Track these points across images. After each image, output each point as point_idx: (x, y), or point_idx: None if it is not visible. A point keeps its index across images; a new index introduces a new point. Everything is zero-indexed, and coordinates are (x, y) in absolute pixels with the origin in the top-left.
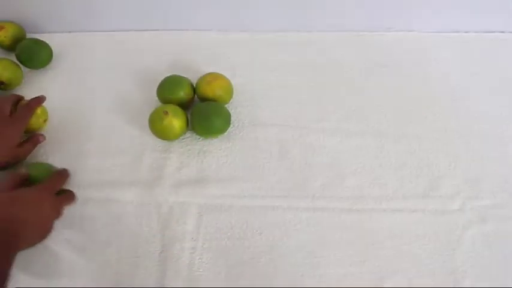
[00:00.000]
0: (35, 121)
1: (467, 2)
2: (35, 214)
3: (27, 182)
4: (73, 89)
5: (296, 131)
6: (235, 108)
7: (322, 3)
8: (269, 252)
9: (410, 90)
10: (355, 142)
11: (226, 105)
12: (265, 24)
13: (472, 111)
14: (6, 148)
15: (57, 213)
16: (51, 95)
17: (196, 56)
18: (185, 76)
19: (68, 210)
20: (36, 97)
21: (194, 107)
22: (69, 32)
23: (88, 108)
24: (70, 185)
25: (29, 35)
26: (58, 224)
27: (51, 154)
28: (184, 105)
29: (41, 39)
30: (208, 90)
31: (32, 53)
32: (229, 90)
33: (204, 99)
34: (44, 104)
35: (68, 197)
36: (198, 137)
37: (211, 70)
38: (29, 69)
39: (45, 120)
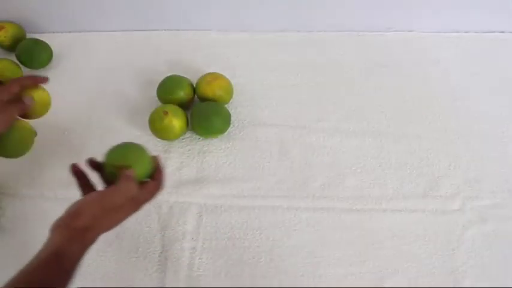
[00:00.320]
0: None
1: (467, 2)
2: (119, 221)
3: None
4: (73, 89)
5: (296, 131)
6: (235, 108)
7: (322, 3)
8: (269, 252)
9: (410, 90)
10: (355, 142)
11: (226, 105)
12: (265, 24)
13: (472, 111)
14: None
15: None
16: (51, 95)
17: (196, 56)
18: (185, 76)
19: None
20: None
21: (194, 107)
22: (69, 32)
23: (88, 108)
24: (70, 185)
25: (29, 35)
26: None
27: (51, 154)
28: (184, 105)
29: (41, 39)
30: (208, 90)
31: (32, 53)
32: (229, 90)
33: (204, 99)
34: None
35: (151, 190)
36: (198, 137)
37: (211, 70)
38: (29, 69)
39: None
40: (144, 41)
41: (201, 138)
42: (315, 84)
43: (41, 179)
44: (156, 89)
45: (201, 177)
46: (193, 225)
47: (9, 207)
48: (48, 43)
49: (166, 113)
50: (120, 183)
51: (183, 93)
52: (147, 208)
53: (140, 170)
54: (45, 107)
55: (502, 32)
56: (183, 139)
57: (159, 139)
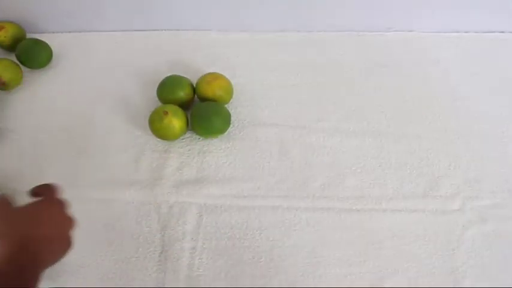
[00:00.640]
0: None
1: (467, 2)
2: (51, 228)
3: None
4: (73, 89)
5: (296, 131)
6: (235, 108)
7: (322, 3)
8: (269, 252)
9: (410, 90)
10: (355, 142)
11: (226, 105)
12: (265, 24)
13: (472, 111)
14: None
15: (71, 221)
16: (51, 95)
17: (196, 56)
18: (185, 76)
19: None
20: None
21: (194, 107)
22: (69, 32)
23: (88, 108)
24: (70, 185)
25: (29, 35)
26: None
27: (51, 154)
28: (184, 105)
29: (41, 39)
30: (208, 90)
31: (32, 53)
32: (229, 90)
33: (204, 99)
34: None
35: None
36: (198, 137)
37: (211, 70)
38: (29, 69)
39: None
40: (144, 41)
41: (201, 138)
42: (315, 84)
43: (41, 179)
44: (156, 89)
45: (201, 177)
46: (193, 225)
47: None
48: (48, 43)
49: (166, 113)
50: None
51: (183, 93)
52: (147, 208)
53: None
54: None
55: (502, 32)
56: (183, 139)
57: (159, 139)
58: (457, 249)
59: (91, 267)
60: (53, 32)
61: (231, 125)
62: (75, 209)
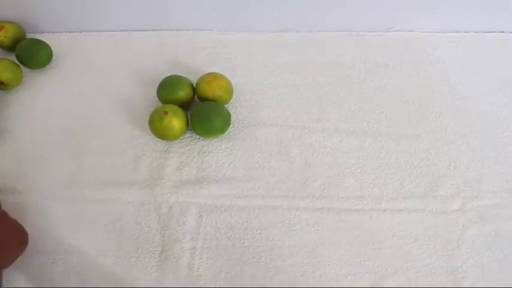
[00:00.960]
0: None
1: (467, 2)
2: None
3: None
4: (73, 89)
5: (296, 131)
6: (235, 108)
7: (322, 3)
8: (269, 252)
9: (410, 90)
10: (355, 142)
11: (226, 105)
12: (265, 24)
13: (472, 111)
14: None
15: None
16: (51, 95)
17: (196, 56)
18: (185, 76)
19: (68, 211)
20: None
21: (194, 107)
22: (69, 32)
23: (88, 108)
24: (70, 185)
25: (29, 35)
26: (57, 224)
27: (51, 154)
28: (184, 105)
29: (41, 39)
30: (208, 90)
31: (32, 53)
32: (229, 90)
33: (204, 99)
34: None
35: None
36: (198, 137)
37: (211, 70)
38: (29, 69)
39: None
40: (144, 41)
41: (201, 138)
42: (315, 84)
43: (41, 179)
44: (156, 89)
45: (201, 177)
46: (193, 225)
47: (9, 207)
48: (48, 43)
49: (166, 113)
50: None
51: (183, 93)
52: (147, 208)
53: None
54: None
55: (502, 32)
56: (183, 139)
57: (159, 139)
58: (457, 249)
59: (91, 267)
60: (53, 32)
61: (231, 125)
62: (75, 209)
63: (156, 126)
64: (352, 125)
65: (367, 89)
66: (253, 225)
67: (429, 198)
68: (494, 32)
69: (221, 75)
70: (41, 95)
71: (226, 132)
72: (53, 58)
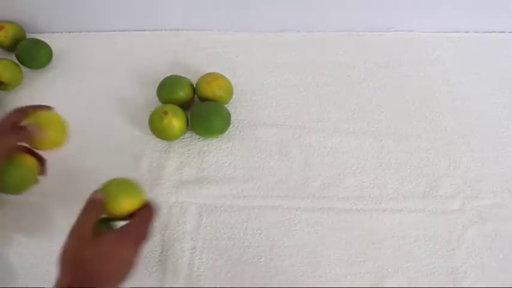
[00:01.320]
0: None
1: (467, 2)
2: (119, 268)
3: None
4: (73, 89)
5: (296, 131)
6: (235, 108)
7: (322, 3)
8: (269, 252)
9: (410, 90)
10: (355, 142)
11: (226, 105)
12: (265, 24)
13: (472, 111)
14: None
15: (137, 257)
16: (51, 95)
17: (196, 56)
18: (185, 76)
19: (68, 210)
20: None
21: (194, 107)
22: (69, 32)
23: (88, 108)
24: (70, 185)
25: (29, 35)
26: (57, 224)
27: (50, 154)
28: (184, 105)
29: (41, 39)
30: (208, 90)
31: (32, 53)
32: (229, 90)
33: (204, 99)
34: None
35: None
36: (198, 137)
37: (211, 70)
38: (29, 69)
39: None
40: (144, 41)
41: (201, 138)
42: (315, 84)
43: (41, 179)
44: (156, 89)
45: (201, 177)
46: (193, 225)
47: (9, 207)
48: (48, 43)
49: (166, 113)
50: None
51: (183, 93)
52: None
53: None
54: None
55: (502, 32)
56: (183, 139)
57: (159, 139)
58: (457, 249)
59: None
60: (53, 32)
61: (231, 125)
62: (75, 210)
63: (156, 126)
64: (352, 125)
65: (367, 89)
66: (253, 225)
67: (429, 198)
68: (494, 32)
69: (221, 75)
70: (41, 95)
71: (226, 132)
72: (53, 58)
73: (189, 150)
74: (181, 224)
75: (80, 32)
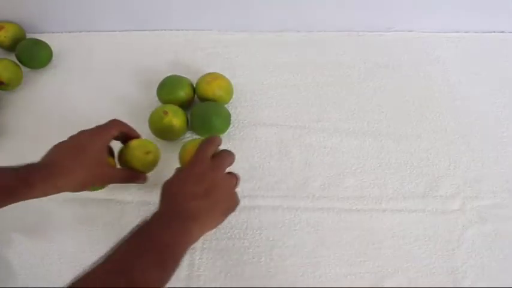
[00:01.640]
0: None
1: (467, 2)
2: (225, 194)
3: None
4: (73, 89)
5: (296, 131)
6: (235, 108)
7: (322, 3)
8: (269, 252)
9: (410, 90)
10: (355, 142)
11: (226, 105)
12: (265, 24)
13: (472, 111)
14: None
15: (235, 179)
16: (51, 95)
17: (196, 56)
18: (185, 76)
19: (68, 210)
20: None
21: (194, 107)
22: (69, 32)
23: (88, 108)
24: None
25: (29, 35)
26: (57, 224)
27: None
28: (184, 105)
29: (41, 39)
30: (208, 90)
31: (32, 53)
32: (229, 90)
33: (204, 99)
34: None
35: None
36: (198, 137)
37: (211, 70)
38: (29, 69)
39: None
40: (144, 41)
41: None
42: (315, 84)
43: None
44: (156, 89)
45: None
46: None
47: (9, 207)
48: (48, 43)
49: (166, 113)
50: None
51: (183, 93)
52: (147, 208)
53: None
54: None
55: (502, 32)
56: (183, 139)
57: (159, 139)
58: (457, 249)
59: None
60: (53, 32)
61: (231, 125)
62: (75, 210)
63: (156, 126)
64: (352, 125)
65: (367, 89)
66: (253, 225)
67: (429, 198)
68: (494, 32)
69: (221, 75)
70: (41, 95)
71: (226, 132)
72: (53, 58)
73: None
74: None
75: (80, 32)
